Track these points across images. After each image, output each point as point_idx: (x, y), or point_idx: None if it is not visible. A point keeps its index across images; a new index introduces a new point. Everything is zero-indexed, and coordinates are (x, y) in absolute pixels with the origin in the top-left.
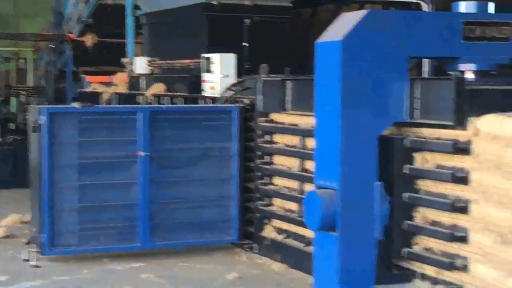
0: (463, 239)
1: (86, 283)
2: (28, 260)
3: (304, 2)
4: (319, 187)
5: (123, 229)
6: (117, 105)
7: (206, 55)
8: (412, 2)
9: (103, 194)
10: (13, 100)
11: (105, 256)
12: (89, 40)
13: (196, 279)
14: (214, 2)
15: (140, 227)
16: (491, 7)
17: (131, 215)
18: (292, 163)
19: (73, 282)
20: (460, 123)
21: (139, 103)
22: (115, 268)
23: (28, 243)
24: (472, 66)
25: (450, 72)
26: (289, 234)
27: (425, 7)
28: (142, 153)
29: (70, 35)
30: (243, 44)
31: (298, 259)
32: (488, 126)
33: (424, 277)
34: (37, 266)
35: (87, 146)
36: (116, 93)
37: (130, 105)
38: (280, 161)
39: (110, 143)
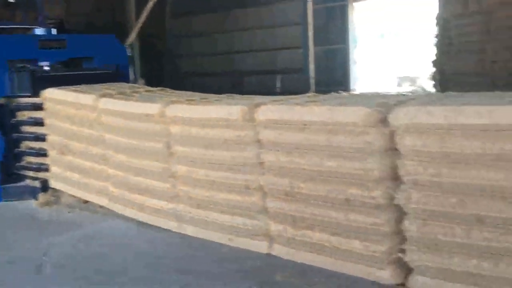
0: (45, 155)
1: None
2: None
3: None
4: None
5: None
6: None
7: None
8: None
9: None
10: None
11: None
12: None
13: None
14: None
15: None
16: (55, 31)
17: None
18: None
19: None
20: (36, 94)
21: None
22: None
23: None
24: (46, 63)
25: (33, 67)
26: None
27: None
28: None
29: None
30: None
31: None
32: (50, 94)
33: (29, 177)
34: None
35: None
36: None
37: None
38: None
39: None
